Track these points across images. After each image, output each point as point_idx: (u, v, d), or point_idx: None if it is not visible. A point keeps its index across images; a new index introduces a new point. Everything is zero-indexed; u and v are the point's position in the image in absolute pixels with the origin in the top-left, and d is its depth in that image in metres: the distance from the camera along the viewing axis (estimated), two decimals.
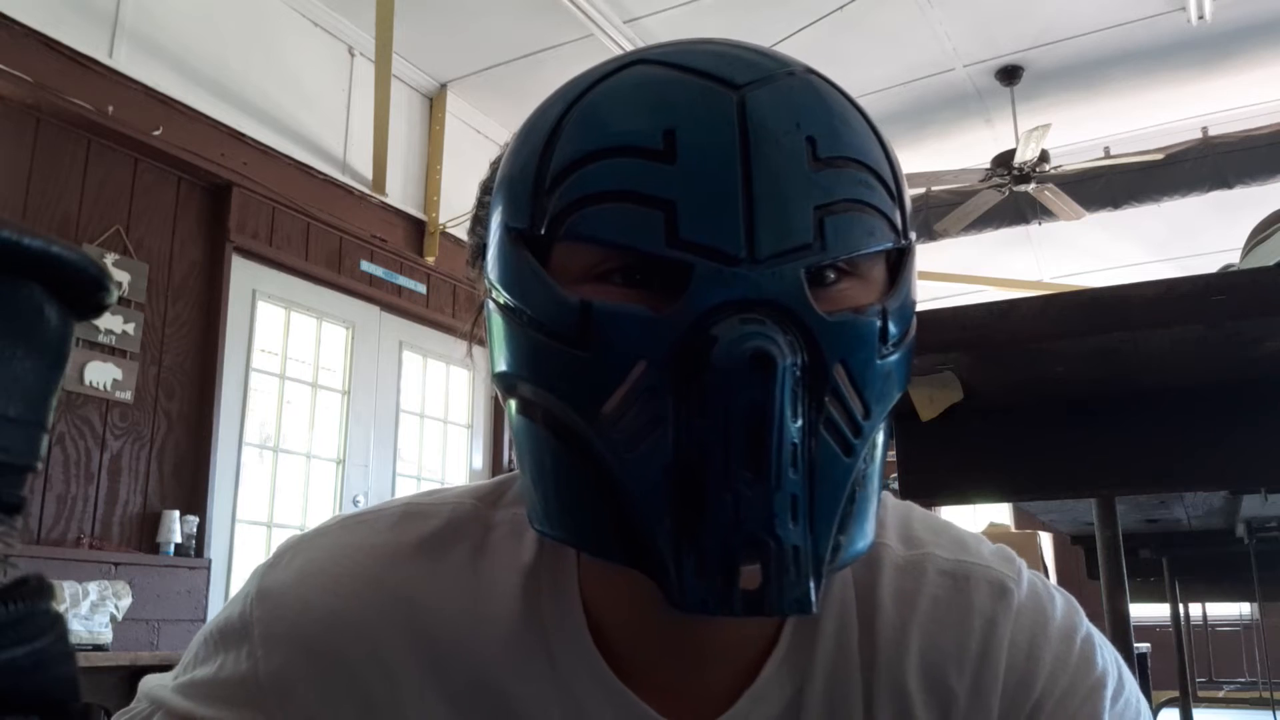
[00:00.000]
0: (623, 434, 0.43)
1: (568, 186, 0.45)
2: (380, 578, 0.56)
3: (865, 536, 0.47)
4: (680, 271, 0.43)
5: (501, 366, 0.49)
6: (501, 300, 0.48)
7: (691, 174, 0.43)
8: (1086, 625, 0.57)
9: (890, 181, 0.47)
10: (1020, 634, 0.54)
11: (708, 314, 0.42)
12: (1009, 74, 4.97)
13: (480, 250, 0.52)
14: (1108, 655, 0.56)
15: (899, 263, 0.49)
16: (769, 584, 0.42)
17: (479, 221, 0.52)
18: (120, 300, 3.57)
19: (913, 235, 0.50)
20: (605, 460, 0.44)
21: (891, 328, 0.46)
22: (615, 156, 0.44)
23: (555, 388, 0.45)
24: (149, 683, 0.62)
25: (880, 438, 0.48)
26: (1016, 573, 0.57)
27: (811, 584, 0.42)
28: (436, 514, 0.59)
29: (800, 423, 0.43)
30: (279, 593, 0.57)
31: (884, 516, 0.59)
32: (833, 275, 0.45)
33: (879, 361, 0.46)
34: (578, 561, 0.55)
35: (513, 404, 0.49)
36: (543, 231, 0.46)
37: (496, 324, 0.49)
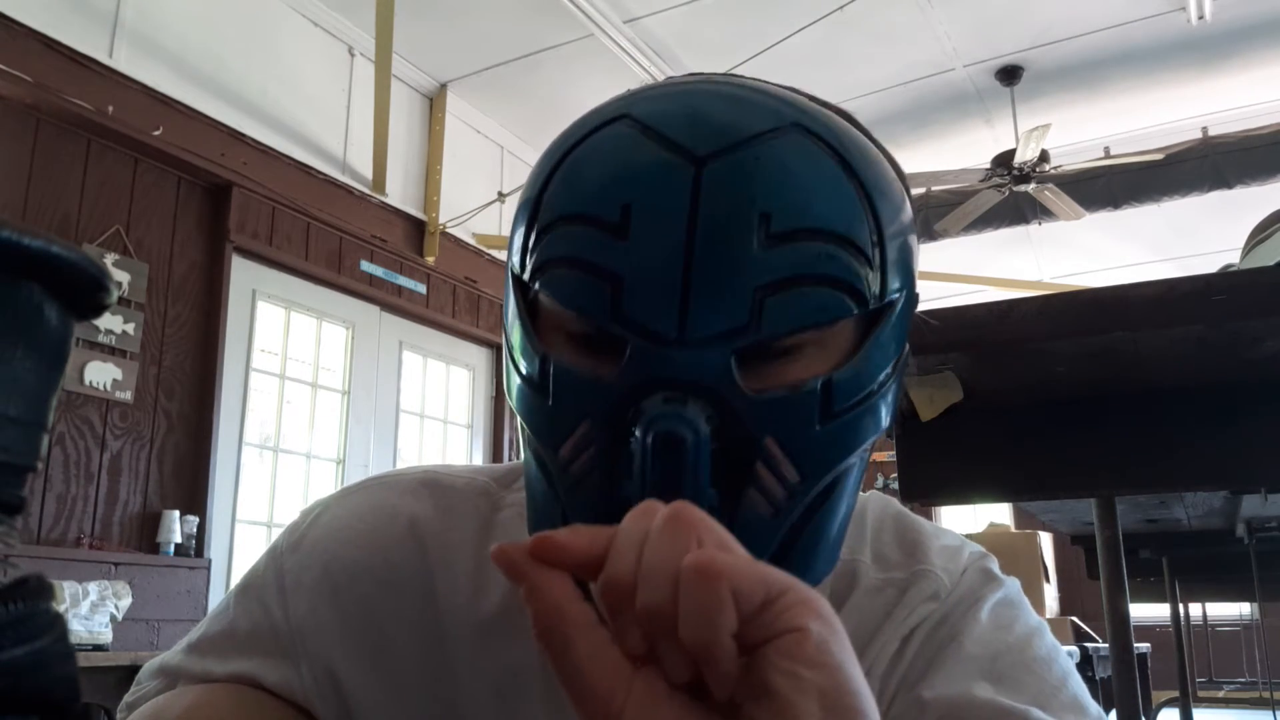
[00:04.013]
0: (572, 478, 0.48)
1: (544, 245, 0.49)
2: (401, 537, 0.60)
3: (809, 576, 0.49)
4: (622, 345, 0.46)
5: (508, 393, 0.54)
6: (504, 334, 0.54)
7: (640, 251, 0.46)
8: (1020, 622, 0.57)
9: (867, 244, 0.47)
10: (932, 627, 0.55)
11: (637, 388, 0.45)
12: (1009, 74, 4.97)
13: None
14: (1040, 653, 0.55)
15: (875, 322, 0.49)
16: None
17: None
18: (120, 300, 3.57)
19: (897, 292, 0.50)
20: (559, 495, 0.49)
21: (840, 396, 0.47)
22: (579, 224, 0.47)
23: (529, 423, 0.50)
24: (154, 662, 0.63)
25: (840, 488, 0.49)
26: (955, 576, 0.58)
27: None
28: (453, 485, 0.63)
29: (723, 487, 0.45)
30: (309, 545, 0.61)
31: (864, 531, 0.61)
32: (781, 348, 0.47)
33: (818, 430, 0.47)
34: None
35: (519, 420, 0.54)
36: (526, 279, 0.50)
37: (505, 354, 0.54)
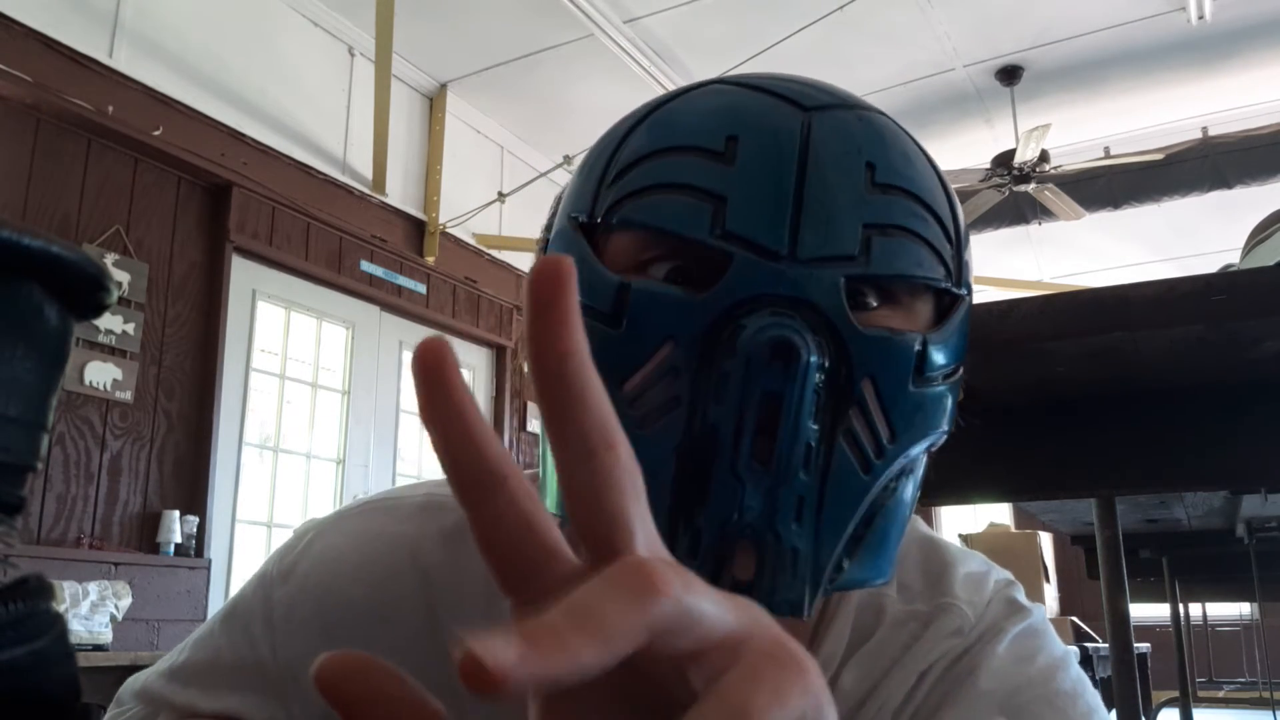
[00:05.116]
0: (640, 411, 0.43)
1: (628, 179, 0.46)
2: (401, 568, 0.56)
3: (878, 569, 0.46)
4: (721, 264, 0.43)
5: None
6: None
7: (747, 175, 0.44)
8: (1066, 673, 0.54)
9: (950, 226, 0.47)
10: (953, 665, 0.53)
11: (740, 304, 0.42)
12: (1009, 74, 4.97)
13: (546, 247, 0.52)
14: (1065, 686, 0.53)
15: (950, 309, 0.48)
16: (762, 579, 0.42)
17: (550, 226, 0.53)
18: (120, 300, 3.57)
19: (969, 289, 0.49)
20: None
21: (931, 360, 0.46)
22: (677, 154, 0.45)
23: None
24: (135, 682, 0.61)
25: (913, 475, 0.47)
26: (978, 610, 0.55)
27: (807, 589, 0.42)
28: (457, 506, 0.58)
29: (818, 426, 0.42)
30: (300, 577, 0.57)
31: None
32: (874, 301, 0.45)
33: (912, 389, 0.45)
34: None
35: None
36: (599, 220, 0.47)
37: None
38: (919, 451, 0.47)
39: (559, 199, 0.52)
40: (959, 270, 0.48)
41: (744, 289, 0.42)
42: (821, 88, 0.48)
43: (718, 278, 0.43)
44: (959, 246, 0.48)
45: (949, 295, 0.48)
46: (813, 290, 0.43)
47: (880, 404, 0.44)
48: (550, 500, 0.49)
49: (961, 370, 0.50)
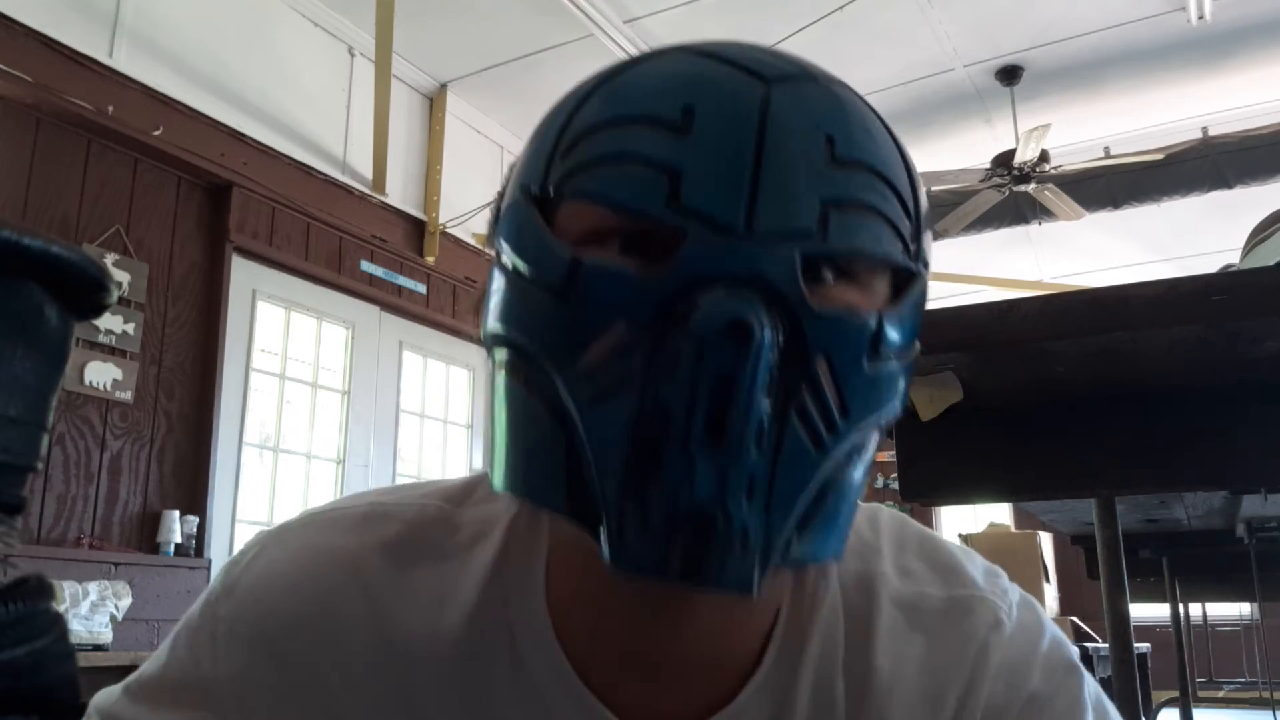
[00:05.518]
0: (591, 389, 0.43)
1: (581, 149, 0.45)
2: (343, 584, 0.55)
3: (830, 546, 0.46)
4: (676, 239, 0.43)
5: (491, 322, 0.48)
6: (502, 256, 0.48)
7: (703, 147, 0.43)
8: (1071, 658, 0.58)
9: (909, 201, 0.47)
10: (1006, 665, 0.56)
11: (694, 281, 0.42)
12: (1009, 74, 4.97)
13: (498, 218, 0.51)
14: (1090, 690, 0.58)
15: (906, 286, 0.48)
16: (710, 556, 0.41)
17: (503, 194, 0.52)
18: (120, 300, 3.57)
19: (926, 265, 0.49)
20: (569, 414, 0.44)
21: (886, 339, 0.45)
22: (631, 125, 0.45)
23: (534, 338, 0.45)
24: (101, 696, 0.61)
25: (864, 452, 0.47)
26: (1010, 604, 0.58)
27: (757, 567, 0.42)
28: (401, 516, 0.58)
29: (770, 404, 0.42)
30: (242, 593, 0.56)
31: (878, 543, 0.59)
32: (830, 276, 0.45)
33: (866, 366, 0.45)
34: (545, 566, 0.55)
35: (495, 358, 0.49)
36: (551, 192, 0.46)
37: (495, 282, 0.49)
38: (871, 429, 0.47)
39: (513, 167, 0.52)
40: (917, 247, 0.48)
41: (698, 267, 0.42)
42: (784, 57, 0.47)
43: (672, 252, 0.43)
44: (918, 223, 0.48)
45: (906, 272, 0.48)
46: (768, 267, 0.42)
47: (834, 381, 0.44)
48: (498, 479, 0.48)
49: (917, 348, 0.50)
